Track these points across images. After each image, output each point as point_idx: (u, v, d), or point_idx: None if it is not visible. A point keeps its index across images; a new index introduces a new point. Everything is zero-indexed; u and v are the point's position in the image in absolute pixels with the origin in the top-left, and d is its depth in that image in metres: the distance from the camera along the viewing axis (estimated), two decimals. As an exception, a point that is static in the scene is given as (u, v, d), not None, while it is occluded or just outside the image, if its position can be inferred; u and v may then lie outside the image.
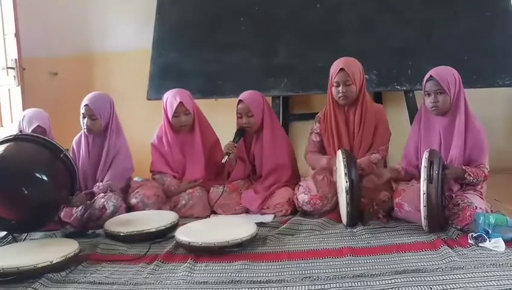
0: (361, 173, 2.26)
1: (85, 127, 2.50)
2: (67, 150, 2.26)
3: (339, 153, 2.23)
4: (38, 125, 2.72)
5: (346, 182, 2.08)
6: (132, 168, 2.63)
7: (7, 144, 2.06)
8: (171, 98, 2.67)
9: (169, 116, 2.66)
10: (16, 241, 2.11)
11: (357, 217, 2.17)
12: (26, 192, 1.90)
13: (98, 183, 2.46)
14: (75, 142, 2.61)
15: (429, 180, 1.92)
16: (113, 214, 2.33)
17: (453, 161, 2.13)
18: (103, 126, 2.52)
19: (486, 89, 3.13)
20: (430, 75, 2.18)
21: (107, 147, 2.52)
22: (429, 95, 2.19)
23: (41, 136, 2.26)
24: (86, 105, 2.48)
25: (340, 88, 2.39)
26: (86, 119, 2.49)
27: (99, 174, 2.51)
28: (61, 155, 2.11)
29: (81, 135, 2.60)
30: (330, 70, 2.45)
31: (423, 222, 1.97)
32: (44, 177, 1.97)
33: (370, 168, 2.36)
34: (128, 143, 2.62)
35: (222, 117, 2.90)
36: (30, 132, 2.67)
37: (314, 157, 2.55)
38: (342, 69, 2.37)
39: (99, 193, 2.39)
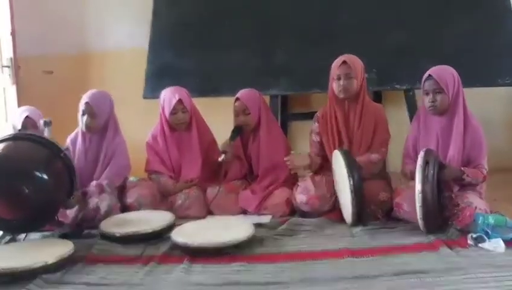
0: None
1: (84, 124, 2.47)
2: (67, 148, 2.24)
3: (337, 153, 2.22)
4: (27, 116, 2.69)
5: (351, 182, 2.07)
6: (129, 166, 2.60)
7: (5, 143, 2.04)
8: (170, 95, 2.65)
9: (167, 113, 2.64)
10: (15, 241, 2.10)
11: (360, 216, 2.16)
12: (26, 191, 1.89)
13: (92, 182, 2.43)
14: (71, 140, 2.58)
15: (424, 180, 1.91)
16: (107, 214, 2.31)
17: (450, 161, 2.12)
18: (102, 124, 2.49)
19: (486, 88, 3.13)
20: (429, 74, 2.17)
21: (106, 145, 2.49)
22: (427, 94, 2.18)
23: (40, 134, 2.24)
24: (86, 102, 2.45)
25: (341, 81, 2.37)
26: (86, 116, 2.46)
27: (97, 174, 2.48)
28: (61, 154, 2.10)
29: (77, 133, 2.58)
30: (332, 66, 2.44)
31: (419, 222, 1.96)
32: (45, 176, 1.95)
33: (368, 168, 2.34)
34: (125, 141, 2.60)
35: (219, 117, 2.89)
36: (21, 123, 2.67)
37: None
38: (344, 62, 2.37)
39: (94, 194, 2.36)
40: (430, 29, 3.15)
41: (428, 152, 2.01)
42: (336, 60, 2.44)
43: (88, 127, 2.47)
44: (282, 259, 1.82)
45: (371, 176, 2.34)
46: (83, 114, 2.46)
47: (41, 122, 2.40)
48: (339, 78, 2.38)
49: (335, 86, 2.41)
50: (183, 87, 2.76)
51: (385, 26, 3.20)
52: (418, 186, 1.92)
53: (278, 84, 3.23)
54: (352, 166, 2.10)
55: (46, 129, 2.40)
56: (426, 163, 1.94)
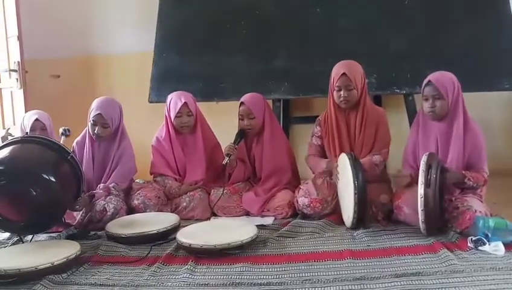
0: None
1: (95, 134, 2.50)
2: (73, 151, 2.26)
3: (343, 156, 2.23)
4: (36, 119, 2.72)
5: (355, 187, 2.08)
6: (135, 169, 2.64)
7: (14, 146, 2.07)
8: (176, 98, 2.69)
9: (172, 116, 2.67)
10: (23, 242, 2.12)
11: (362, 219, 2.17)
12: (34, 193, 1.91)
13: (99, 185, 2.47)
14: (77, 143, 2.61)
15: (427, 184, 1.92)
16: (114, 216, 2.34)
17: (450, 165, 2.12)
18: (112, 132, 2.53)
19: (486, 92, 3.15)
20: (429, 80, 2.19)
21: (113, 150, 2.53)
22: (427, 99, 2.19)
23: (47, 137, 2.26)
24: (98, 114, 2.47)
25: (341, 92, 2.39)
26: (98, 127, 2.48)
27: (104, 178, 2.52)
28: (68, 157, 2.12)
29: (84, 137, 2.60)
30: (332, 73, 2.45)
31: (421, 225, 1.97)
32: (52, 178, 1.97)
33: (372, 170, 2.36)
34: (131, 144, 2.63)
35: (222, 120, 2.91)
36: (30, 126, 2.68)
37: (314, 160, 2.56)
38: (344, 74, 2.37)
39: (101, 196, 2.39)
40: (430, 35, 3.17)
41: (431, 156, 2.01)
42: (335, 68, 2.44)
43: (99, 136, 2.50)
44: (285, 260, 1.84)
45: (374, 178, 2.36)
46: (94, 124, 2.49)
47: (61, 130, 2.45)
48: (339, 90, 2.40)
49: (336, 96, 2.42)
50: (187, 91, 2.79)
51: (385, 31, 3.22)
52: (420, 190, 1.93)
53: (280, 89, 3.26)
54: (357, 170, 2.12)
55: (62, 137, 2.44)
56: (429, 167, 1.95)
